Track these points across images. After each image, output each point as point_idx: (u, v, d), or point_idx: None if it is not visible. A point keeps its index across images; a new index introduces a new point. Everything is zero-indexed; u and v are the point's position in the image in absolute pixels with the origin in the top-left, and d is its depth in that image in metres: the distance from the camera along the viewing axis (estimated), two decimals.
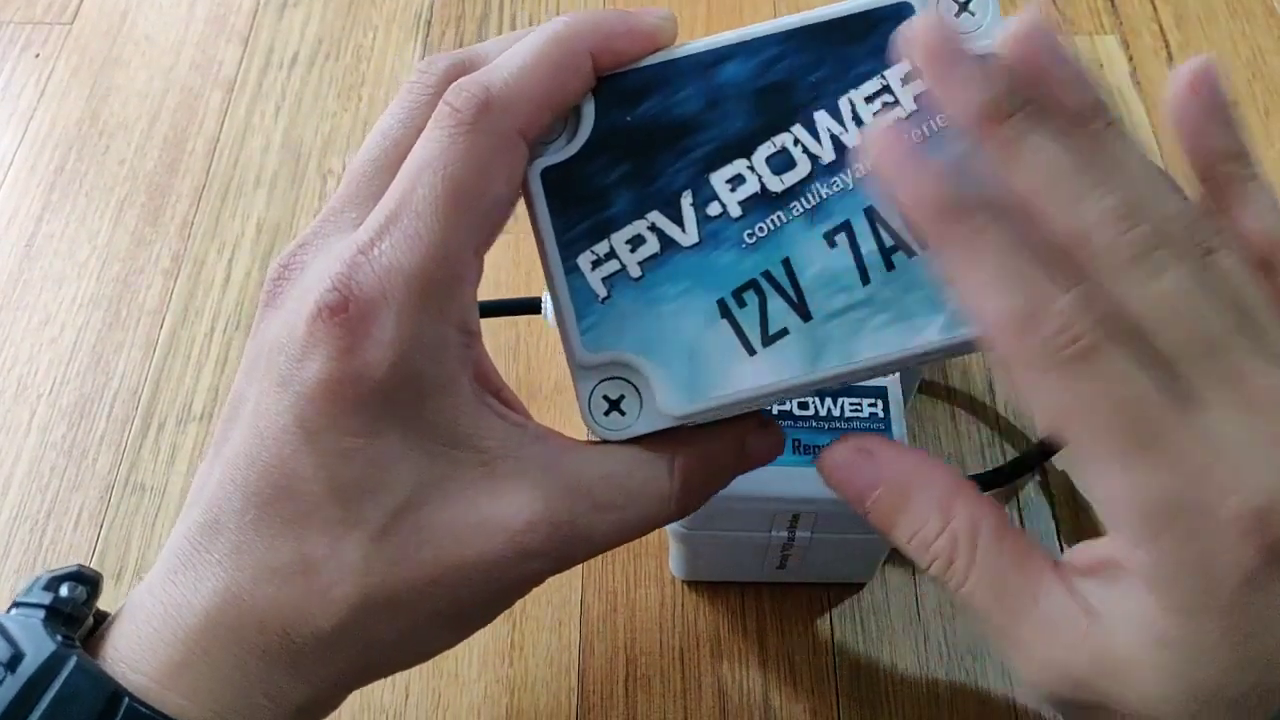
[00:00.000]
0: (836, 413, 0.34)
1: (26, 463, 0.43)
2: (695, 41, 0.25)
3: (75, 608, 0.23)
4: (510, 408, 0.24)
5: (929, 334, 0.24)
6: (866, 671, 0.38)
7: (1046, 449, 0.41)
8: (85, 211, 0.51)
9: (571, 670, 0.38)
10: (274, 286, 0.24)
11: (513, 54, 0.24)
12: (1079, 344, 0.20)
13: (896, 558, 0.40)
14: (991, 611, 0.22)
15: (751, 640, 0.39)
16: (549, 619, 0.39)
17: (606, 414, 0.25)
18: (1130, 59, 0.55)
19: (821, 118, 0.24)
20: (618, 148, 0.24)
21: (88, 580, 0.23)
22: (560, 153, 0.25)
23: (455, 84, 0.23)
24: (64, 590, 0.23)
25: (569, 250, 0.24)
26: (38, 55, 0.56)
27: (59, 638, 0.21)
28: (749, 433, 0.26)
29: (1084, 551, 0.22)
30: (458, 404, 0.23)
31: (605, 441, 0.25)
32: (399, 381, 0.22)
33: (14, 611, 0.22)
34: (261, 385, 0.23)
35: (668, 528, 0.36)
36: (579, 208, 0.24)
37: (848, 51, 0.24)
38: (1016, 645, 0.22)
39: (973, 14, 0.24)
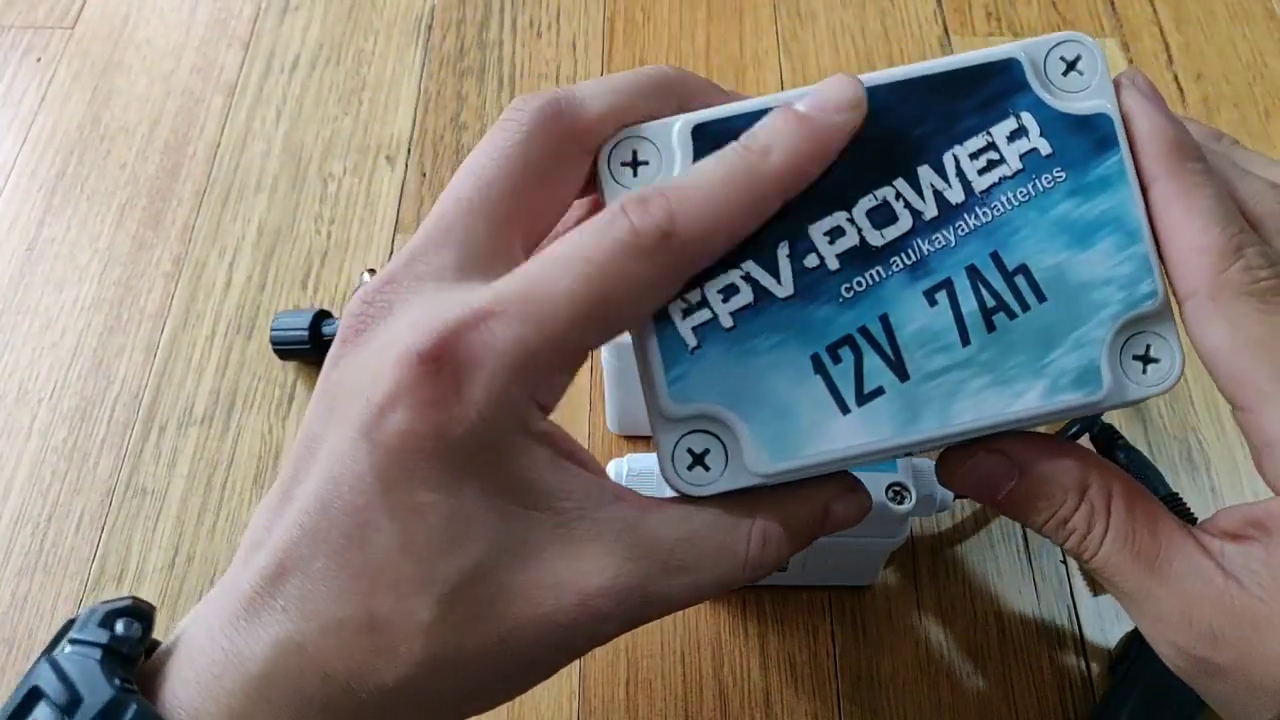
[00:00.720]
0: None
1: (28, 466, 0.44)
2: (795, 91, 0.24)
3: (131, 647, 0.22)
4: (584, 467, 0.24)
5: (1029, 400, 0.23)
6: (867, 674, 0.38)
7: None
8: (86, 215, 0.51)
9: (573, 672, 0.38)
10: (357, 323, 0.23)
11: (709, 179, 0.22)
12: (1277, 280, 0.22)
13: (897, 560, 0.40)
14: (1127, 573, 0.23)
15: (753, 642, 0.39)
16: None
17: (690, 468, 0.24)
18: (1130, 62, 0.55)
19: (925, 172, 0.24)
20: None
21: (142, 615, 0.23)
22: None
23: (641, 196, 0.22)
24: (120, 627, 0.22)
25: None
26: (39, 60, 0.56)
27: (117, 681, 0.21)
28: (836, 498, 0.25)
29: (1229, 515, 0.24)
30: (536, 464, 0.23)
31: (683, 496, 0.24)
32: (480, 442, 0.22)
33: (70, 649, 0.22)
34: (340, 428, 0.22)
35: None
36: None
37: (954, 106, 0.24)
38: (1154, 602, 0.23)
39: (1081, 73, 0.24)
